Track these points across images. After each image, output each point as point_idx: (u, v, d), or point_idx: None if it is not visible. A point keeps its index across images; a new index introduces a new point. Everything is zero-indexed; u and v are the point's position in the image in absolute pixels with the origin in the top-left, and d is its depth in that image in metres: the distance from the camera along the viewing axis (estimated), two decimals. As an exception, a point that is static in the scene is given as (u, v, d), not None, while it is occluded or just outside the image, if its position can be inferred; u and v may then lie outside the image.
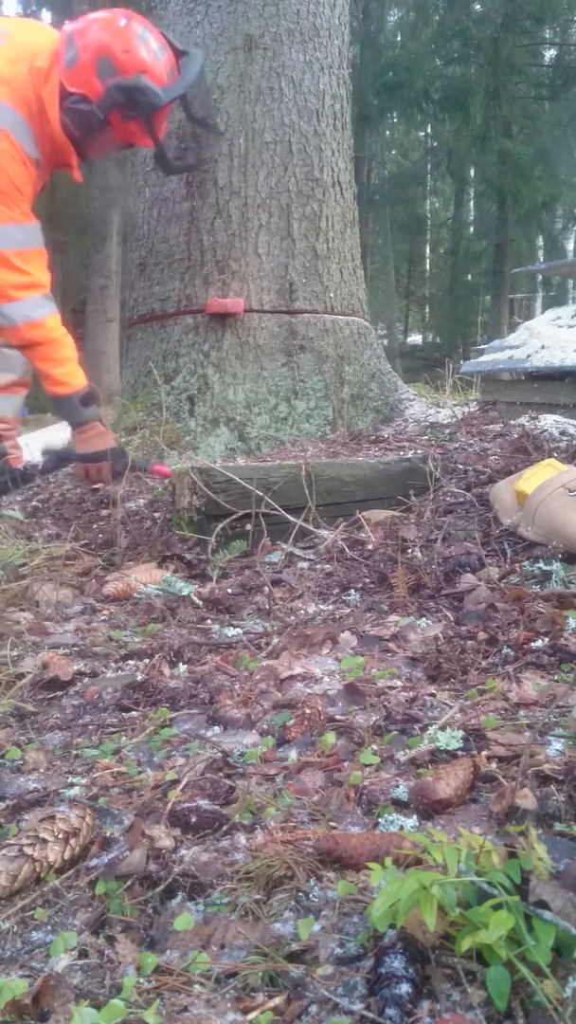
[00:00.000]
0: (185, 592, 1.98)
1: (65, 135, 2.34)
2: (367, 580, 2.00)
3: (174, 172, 3.60)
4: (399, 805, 1.01)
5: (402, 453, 3.06)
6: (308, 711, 1.25)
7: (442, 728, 1.17)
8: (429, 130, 19.59)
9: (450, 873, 0.75)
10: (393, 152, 22.13)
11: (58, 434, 5.02)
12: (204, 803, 1.03)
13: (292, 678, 1.43)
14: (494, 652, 1.48)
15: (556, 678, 1.35)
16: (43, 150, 2.37)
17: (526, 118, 13.63)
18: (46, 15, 19.59)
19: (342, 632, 1.64)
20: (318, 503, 2.37)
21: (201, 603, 1.94)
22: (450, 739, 1.13)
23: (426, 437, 3.54)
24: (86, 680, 1.54)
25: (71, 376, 2.44)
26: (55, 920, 0.86)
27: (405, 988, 0.68)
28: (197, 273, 3.83)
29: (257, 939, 0.78)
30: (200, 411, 3.74)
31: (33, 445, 4.18)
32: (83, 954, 0.80)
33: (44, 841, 0.93)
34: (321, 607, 1.87)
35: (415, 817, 0.98)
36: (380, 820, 0.98)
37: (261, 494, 2.27)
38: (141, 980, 0.75)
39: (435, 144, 19.02)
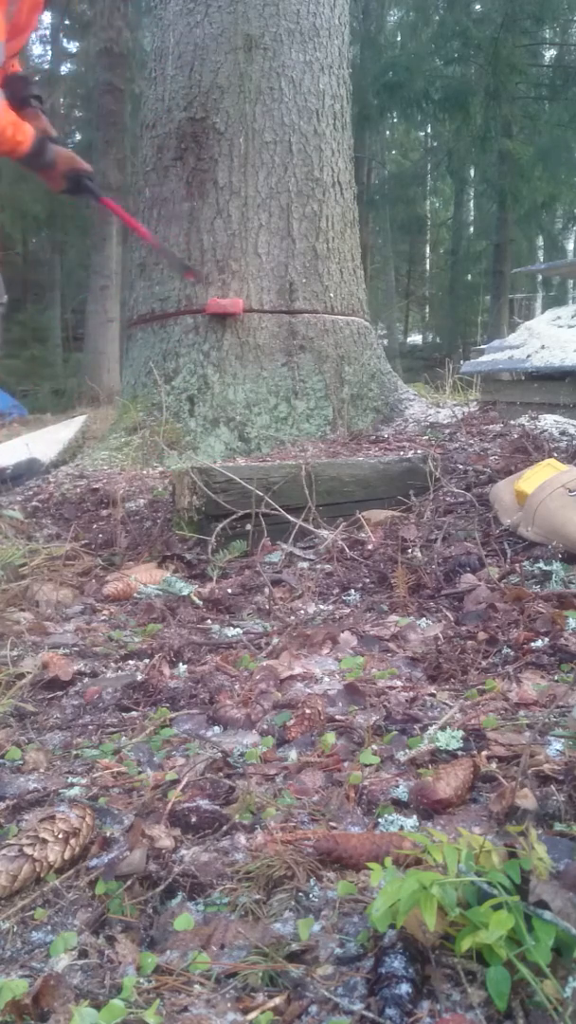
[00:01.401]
0: (185, 592, 1.98)
1: None
2: (367, 580, 2.00)
3: None
4: (399, 805, 1.01)
5: (402, 453, 3.06)
6: (308, 711, 1.25)
7: (442, 728, 1.17)
8: (429, 130, 19.59)
9: (450, 873, 0.75)
10: (393, 152, 22.13)
11: (58, 434, 5.02)
12: (204, 803, 1.03)
13: (292, 678, 1.43)
14: (494, 652, 1.48)
15: (556, 678, 1.35)
16: None
17: (526, 118, 13.61)
18: (46, 15, 19.63)
19: (342, 632, 1.64)
20: (318, 503, 2.37)
21: (201, 603, 1.94)
22: (450, 739, 1.13)
23: (426, 437, 3.54)
24: (86, 680, 1.54)
25: (21, 139, 2.62)
26: (55, 920, 0.86)
27: (405, 988, 0.68)
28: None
29: (257, 939, 0.78)
30: (200, 411, 3.74)
31: (34, 445, 4.18)
32: (83, 954, 0.80)
33: (44, 841, 0.93)
34: (321, 607, 1.87)
35: (415, 817, 0.97)
36: (380, 820, 0.98)
37: (261, 494, 2.26)
38: (141, 980, 0.75)
39: (435, 144, 19.01)
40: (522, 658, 1.43)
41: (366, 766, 1.11)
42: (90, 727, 1.33)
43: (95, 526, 2.67)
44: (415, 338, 27.46)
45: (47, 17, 18.70)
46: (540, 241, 18.58)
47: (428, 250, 27.02)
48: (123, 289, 11.22)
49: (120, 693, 1.43)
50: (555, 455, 2.62)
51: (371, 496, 2.49)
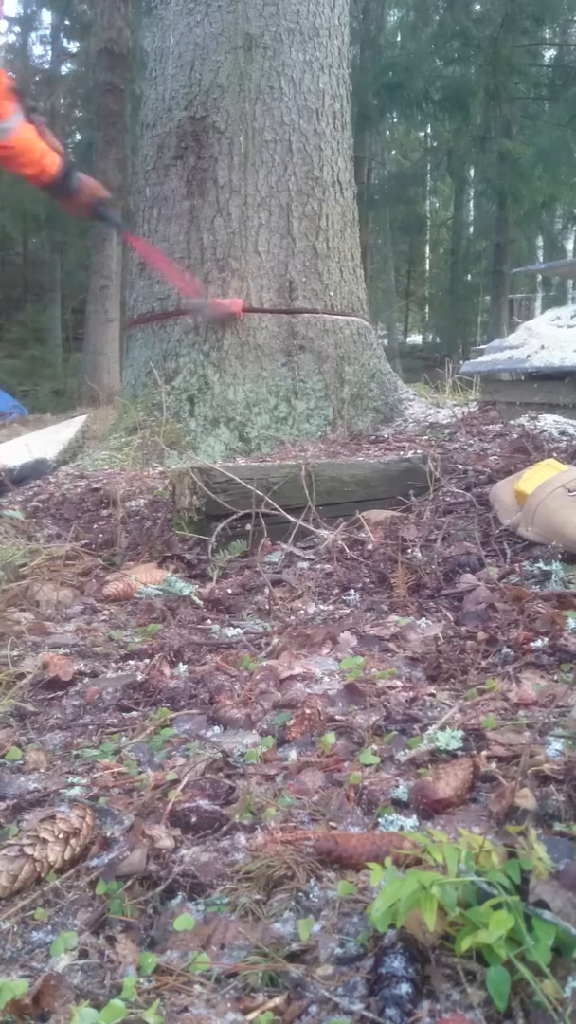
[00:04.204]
0: (185, 592, 1.98)
1: None
2: (367, 580, 2.00)
3: None
4: (399, 805, 1.01)
5: (402, 453, 3.06)
6: (308, 711, 1.25)
7: (442, 728, 1.17)
8: (429, 130, 19.59)
9: (450, 873, 0.75)
10: (393, 152, 22.13)
11: (58, 434, 5.02)
12: (204, 803, 1.03)
13: (292, 678, 1.43)
14: (494, 652, 1.48)
15: (556, 678, 1.35)
16: None
17: (526, 118, 13.62)
18: (46, 15, 19.64)
19: (342, 632, 1.64)
20: (318, 503, 2.37)
21: (201, 603, 1.94)
22: (450, 739, 1.13)
23: (426, 437, 3.54)
24: (86, 680, 1.54)
25: (48, 164, 2.69)
26: (55, 920, 0.86)
27: (405, 988, 0.68)
28: (197, 272, 3.83)
29: (257, 939, 0.78)
30: (200, 411, 3.74)
31: (34, 445, 4.18)
32: (83, 954, 0.80)
33: (44, 841, 0.93)
34: (321, 607, 1.87)
35: (415, 817, 0.97)
36: (380, 820, 0.98)
37: (261, 494, 2.26)
38: (141, 980, 0.75)
39: (435, 144, 19.00)
40: (522, 658, 1.43)
41: (366, 766, 1.11)
42: (90, 727, 1.33)
43: (95, 526, 2.67)
44: (415, 338, 27.45)
45: (47, 17, 18.70)
46: (540, 241, 18.58)
47: (428, 250, 27.02)
48: (123, 289, 11.21)
49: (120, 693, 1.43)
50: (555, 455, 2.62)
51: (371, 496, 2.49)
